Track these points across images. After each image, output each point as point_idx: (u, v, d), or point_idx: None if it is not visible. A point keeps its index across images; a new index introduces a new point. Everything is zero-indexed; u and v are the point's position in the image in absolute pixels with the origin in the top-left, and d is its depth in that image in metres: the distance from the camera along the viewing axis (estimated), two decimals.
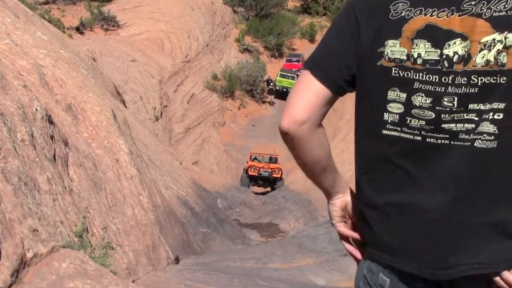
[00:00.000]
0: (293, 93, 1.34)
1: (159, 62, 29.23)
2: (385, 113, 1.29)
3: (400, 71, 1.27)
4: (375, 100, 1.30)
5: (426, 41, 1.24)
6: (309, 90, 1.32)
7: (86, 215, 4.43)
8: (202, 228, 11.68)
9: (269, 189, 24.30)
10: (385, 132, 1.29)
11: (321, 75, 1.33)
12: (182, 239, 8.39)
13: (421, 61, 1.25)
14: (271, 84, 35.21)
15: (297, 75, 36.87)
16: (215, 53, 35.37)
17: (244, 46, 38.58)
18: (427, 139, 1.26)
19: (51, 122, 4.69)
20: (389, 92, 1.28)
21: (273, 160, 25.40)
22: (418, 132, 1.26)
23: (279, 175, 24.11)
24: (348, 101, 27.62)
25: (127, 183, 6.37)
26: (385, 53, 1.28)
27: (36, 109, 4.38)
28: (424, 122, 1.26)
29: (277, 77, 36.00)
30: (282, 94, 35.71)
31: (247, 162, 24.96)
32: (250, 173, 23.88)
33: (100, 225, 4.91)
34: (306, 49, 42.51)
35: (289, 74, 36.15)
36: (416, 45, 1.25)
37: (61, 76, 6.42)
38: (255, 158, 25.39)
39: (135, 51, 28.32)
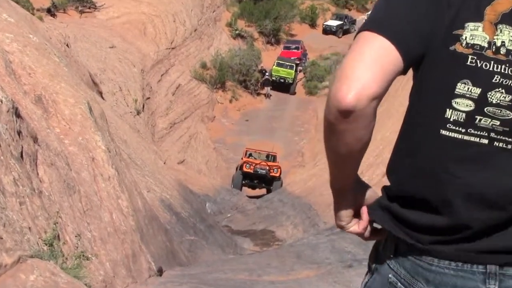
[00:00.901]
0: (358, 59, 1.22)
1: (141, 49, 29.17)
2: (448, 110, 1.23)
3: (478, 61, 1.21)
4: (438, 93, 1.24)
5: None
6: (381, 56, 1.21)
7: (58, 221, 4.41)
8: (189, 236, 11.69)
9: (264, 191, 24.25)
10: (444, 132, 1.24)
11: (398, 38, 1.22)
12: (166, 247, 8.38)
13: (505, 51, 1.20)
14: (267, 74, 35.23)
15: (296, 64, 37.54)
16: (204, 39, 35.34)
17: (237, 31, 38.56)
18: (495, 143, 1.22)
19: (18, 115, 4.67)
20: (458, 84, 1.22)
21: (270, 158, 25.40)
22: (486, 134, 1.22)
23: (277, 174, 24.02)
24: None
25: (104, 185, 6.37)
26: (463, 37, 1.22)
27: (1, 101, 4.36)
28: (498, 123, 1.21)
29: (274, 66, 36.03)
30: (279, 86, 35.77)
31: (242, 159, 24.87)
32: (245, 169, 23.76)
33: (73, 232, 4.90)
34: (306, 34, 42.58)
35: (287, 63, 36.20)
36: (500, 32, 1.20)
37: (30, 63, 6.39)
38: (251, 155, 25.32)
39: (114, 36, 28.24)
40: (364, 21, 1.32)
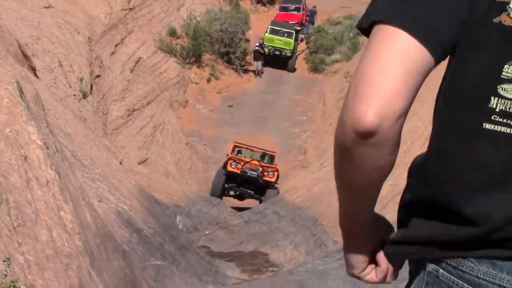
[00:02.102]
0: (375, 66, 1.25)
1: (88, 10, 29.07)
2: (492, 98, 1.26)
3: None
4: (479, 78, 1.27)
5: None
6: (404, 59, 1.24)
7: None
8: (155, 260, 11.71)
9: (256, 202, 24.17)
10: (488, 126, 1.27)
11: (423, 30, 1.26)
12: (124, 275, 8.39)
13: None
14: (257, 44, 35.26)
15: (296, 31, 37.62)
16: None
17: None
18: None
19: None
20: (506, 66, 1.25)
21: (267, 158, 25.17)
22: None
23: (273, 179, 23.73)
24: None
25: (41, 192, 6.35)
26: (511, 5, 1.24)
27: None
28: None
29: (266, 34, 36.07)
30: (274, 60, 35.81)
31: (228, 156, 24.61)
32: (230, 168, 23.39)
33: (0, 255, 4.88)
34: None
35: (284, 29, 36.28)
36: None
37: None
38: (240, 152, 25.14)
39: None
40: None
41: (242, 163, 23.50)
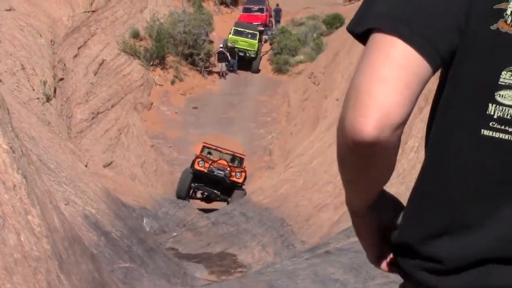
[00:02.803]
0: (373, 75, 1.25)
1: (50, 13, 28.84)
2: (490, 105, 1.27)
3: None
4: (477, 83, 1.28)
5: None
6: (403, 69, 1.25)
7: None
8: (123, 262, 11.66)
9: (223, 204, 24.11)
10: (486, 133, 1.27)
11: (425, 43, 1.26)
12: (92, 279, 8.34)
13: None
14: (221, 46, 35.25)
15: (260, 32, 37.66)
16: None
17: None
18: None
19: None
20: (503, 73, 1.26)
21: (237, 161, 25.04)
22: None
23: (240, 180, 23.60)
24: (334, 69, 27.92)
25: (8, 196, 6.28)
26: (508, 11, 1.25)
27: None
28: None
29: (230, 35, 36.09)
30: (238, 61, 35.78)
31: (196, 155, 24.35)
32: (197, 167, 23.14)
33: None
34: None
35: (247, 31, 36.31)
36: None
37: None
38: (210, 154, 24.94)
39: None
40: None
41: (209, 162, 23.26)
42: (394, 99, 1.24)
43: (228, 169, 23.36)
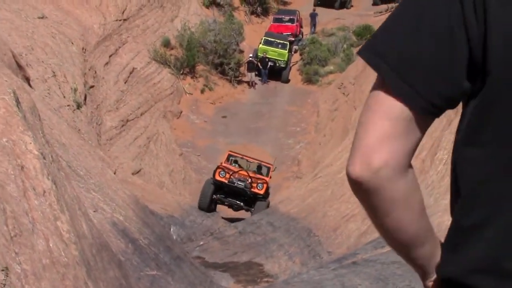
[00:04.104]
0: (364, 117, 1.31)
1: (82, 20, 29.08)
2: None
3: None
4: None
5: None
6: (391, 119, 1.27)
7: None
8: (150, 270, 11.68)
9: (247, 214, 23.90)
10: None
11: (416, 100, 1.26)
12: (120, 285, 8.37)
13: None
14: (251, 56, 35.28)
15: (290, 42, 37.57)
16: (166, 7, 35.32)
17: None
18: None
19: None
20: None
21: (263, 171, 24.46)
22: None
23: (261, 191, 22.87)
24: (364, 80, 27.79)
25: (38, 202, 6.34)
26: None
27: None
28: None
29: (260, 45, 36.10)
30: (268, 70, 35.79)
31: (217, 166, 23.82)
32: (218, 178, 22.61)
33: None
34: (303, 2, 42.72)
35: (278, 41, 36.30)
36: None
37: None
38: (236, 162, 24.48)
39: (45, 3, 28.13)
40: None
41: (230, 173, 22.86)
42: (374, 140, 1.28)
43: (249, 180, 22.78)
